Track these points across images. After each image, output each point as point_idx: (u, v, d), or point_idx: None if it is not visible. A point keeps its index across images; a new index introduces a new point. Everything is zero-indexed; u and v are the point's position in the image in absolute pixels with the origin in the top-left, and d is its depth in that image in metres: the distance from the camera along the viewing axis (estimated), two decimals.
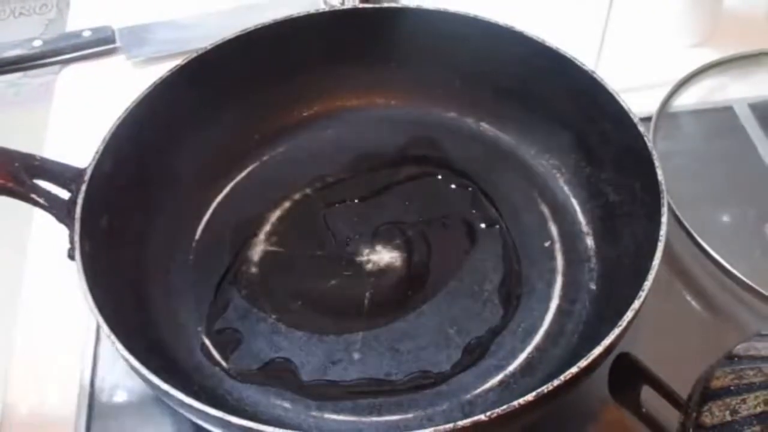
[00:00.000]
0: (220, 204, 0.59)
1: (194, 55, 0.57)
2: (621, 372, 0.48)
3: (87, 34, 0.74)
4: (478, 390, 0.49)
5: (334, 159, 0.61)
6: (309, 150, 0.62)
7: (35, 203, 0.50)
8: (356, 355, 0.50)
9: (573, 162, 0.58)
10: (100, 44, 0.75)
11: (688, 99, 0.67)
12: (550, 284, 0.54)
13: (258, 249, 0.56)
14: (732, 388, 0.41)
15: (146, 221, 0.55)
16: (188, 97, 0.57)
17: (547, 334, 0.51)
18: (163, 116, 0.55)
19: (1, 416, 0.51)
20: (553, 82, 0.57)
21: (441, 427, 0.38)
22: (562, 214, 0.57)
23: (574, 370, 0.41)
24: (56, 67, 0.75)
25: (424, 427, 0.38)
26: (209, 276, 0.55)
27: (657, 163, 0.49)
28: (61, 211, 0.49)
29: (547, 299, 0.53)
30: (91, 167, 0.50)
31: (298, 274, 0.55)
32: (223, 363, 0.50)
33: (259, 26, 0.59)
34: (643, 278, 0.44)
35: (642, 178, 0.50)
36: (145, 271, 0.53)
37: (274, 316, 0.52)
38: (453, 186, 0.59)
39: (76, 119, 0.68)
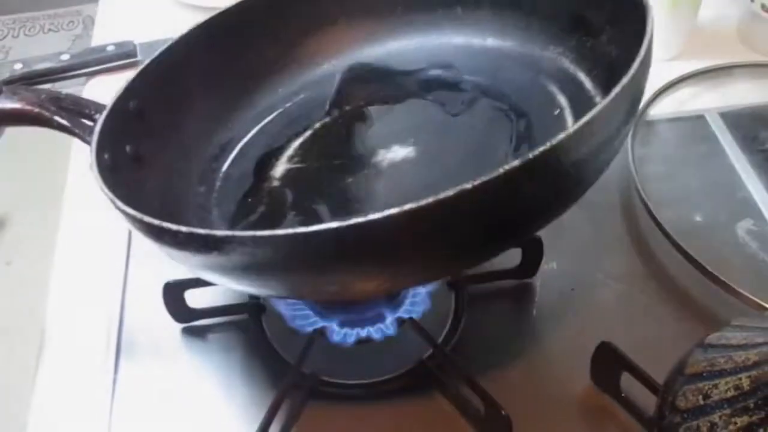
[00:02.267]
0: (247, 144, 0.58)
1: (220, 10, 0.57)
2: (602, 360, 0.48)
3: (111, 48, 0.74)
4: None
5: (354, 91, 0.60)
6: (329, 88, 0.60)
7: (60, 127, 0.48)
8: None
9: (575, 42, 0.55)
10: (123, 58, 0.75)
11: (664, 108, 0.66)
12: None
13: (280, 168, 0.55)
14: (704, 374, 0.40)
15: (172, 158, 0.53)
16: (210, 50, 0.57)
17: None
18: (192, 63, 0.55)
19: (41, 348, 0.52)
20: None
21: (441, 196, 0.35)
22: (569, 87, 0.54)
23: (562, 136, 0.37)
24: (82, 79, 0.75)
25: None
26: (233, 197, 0.54)
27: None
28: (85, 131, 0.48)
29: None
30: (114, 98, 0.49)
31: (318, 179, 0.54)
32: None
33: None
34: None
35: (635, 24, 0.45)
36: (170, 195, 0.52)
37: (292, 213, 0.51)
38: (467, 90, 0.57)
39: None
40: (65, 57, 0.74)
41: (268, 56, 0.60)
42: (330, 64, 0.62)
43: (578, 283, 0.55)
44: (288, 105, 0.61)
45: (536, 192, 0.39)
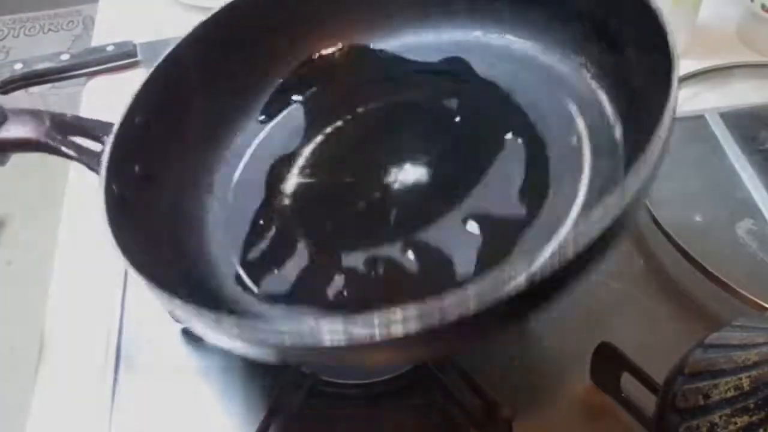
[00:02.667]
0: (257, 147, 0.56)
1: (216, 11, 0.55)
2: (602, 360, 0.48)
3: (110, 48, 0.74)
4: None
5: (365, 91, 0.58)
6: (340, 85, 0.59)
7: (67, 156, 0.48)
8: (381, 269, 0.48)
9: (597, 53, 0.52)
10: (123, 58, 0.75)
11: None
12: (577, 180, 0.49)
13: (292, 182, 0.54)
14: (704, 374, 0.41)
15: (182, 168, 0.53)
16: (215, 49, 0.55)
17: (577, 225, 0.47)
18: (193, 68, 0.53)
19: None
20: None
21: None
22: (589, 109, 0.51)
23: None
24: (82, 79, 0.75)
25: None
26: (245, 212, 0.53)
27: (669, 31, 0.44)
28: (92, 160, 0.47)
29: (573, 196, 0.48)
30: (121, 118, 0.48)
31: (330, 200, 0.53)
32: (254, 288, 0.49)
33: None
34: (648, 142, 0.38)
35: (658, 52, 0.44)
36: (181, 213, 0.51)
37: (305, 241, 0.50)
38: (481, 98, 0.55)
39: None
40: (65, 57, 0.74)
41: (275, 51, 0.58)
42: (340, 55, 0.60)
43: None
44: (296, 102, 0.59)
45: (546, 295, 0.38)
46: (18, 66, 0.72)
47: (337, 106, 0.57)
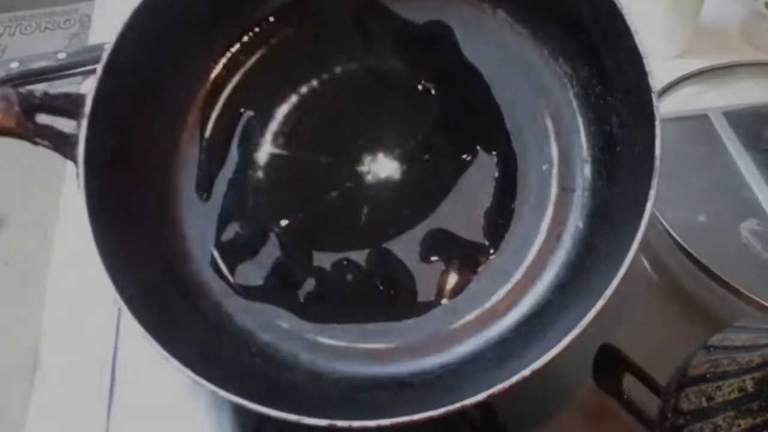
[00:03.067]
0: (228, 97, 0.53)
1: None
2: (604, 361, 0.48)
3: (107, 47, 0.74)
4: (459, 323, 0.49)
5: (344, 47, 0.54)
6: (318, 34, 0.54)
7: (40, 144, 0.46)
8: (349, 277, 0.50)
9: (585, 75, 0.51)
10: None
11: (667, 107, 0.66)
12: (541, 215, 0.50)
13: (265, 151, 0.52)
14: (708, 376, 0.40)
15: (153, 127, 0.50)
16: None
17: (530, 269, 0.49)
18: (161, 25, 0.49)
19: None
20: None
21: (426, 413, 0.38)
22: (565, 133, 0.51)
23: (526, 372, 0.40)
24: (79, 78, 0.75)
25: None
26: (218, 183, 0.52)
27: (656, 116, 0.44)
28: (66, 146, 0.45)
29: (534, 231, 0.50)
30: (91, 96, 0.45)
31: (302, 182, 0.52)
32: (230, 277, 0.49)
33: None
34: (623, 257, 0.41)
35: (643, 133, 0.45)
36: (159, 191, 0.50)
37: (277, 229, 0.51)
38: (463, 88, 0.54)
39: None
40: (62, 56, 0.73)
41: None
42: None
43: None
44: (274, 42, 0.54)
45: None
46: (14, 65, 0.72)
47: (312, 57, 0.54)
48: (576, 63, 0.52)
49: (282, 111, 0.53)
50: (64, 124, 0.46)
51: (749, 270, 0.55)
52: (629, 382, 0.47)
